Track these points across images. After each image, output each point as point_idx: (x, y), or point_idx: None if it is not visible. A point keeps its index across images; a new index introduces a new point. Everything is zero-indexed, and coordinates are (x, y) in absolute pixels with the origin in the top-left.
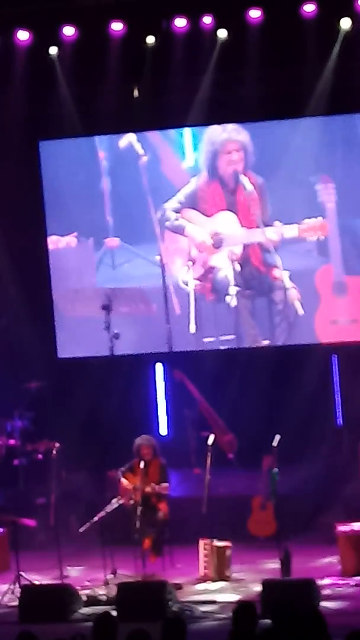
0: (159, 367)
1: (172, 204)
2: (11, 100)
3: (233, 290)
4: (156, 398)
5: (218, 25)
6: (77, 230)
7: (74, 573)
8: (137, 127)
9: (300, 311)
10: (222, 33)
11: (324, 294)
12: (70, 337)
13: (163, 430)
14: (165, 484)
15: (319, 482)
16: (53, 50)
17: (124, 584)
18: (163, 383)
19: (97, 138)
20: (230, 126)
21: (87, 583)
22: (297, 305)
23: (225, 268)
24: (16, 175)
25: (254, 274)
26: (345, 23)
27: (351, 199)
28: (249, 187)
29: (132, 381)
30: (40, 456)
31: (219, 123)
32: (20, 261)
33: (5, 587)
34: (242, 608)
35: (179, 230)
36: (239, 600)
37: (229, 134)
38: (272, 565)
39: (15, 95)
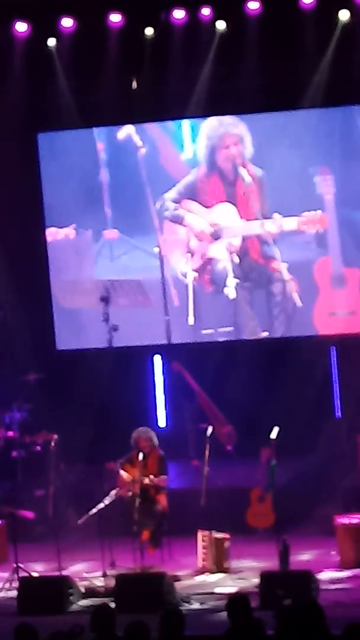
0: (158, 359)
1: (172, 194)
2: (10, 92)
3: (232, 282)
4: (155, 390)
5: (217, 16)
6: (76, 222)
7: (72, 565)
8: (136, 119)
9: (299, 303)
10: (220, 25)
11: (322, 286)
12: (69, 329)
13: (162, 422)
14: (164, 476)
15: (318, 474)
16: (51, 41)
17: (122, 575)
18: (162, 375)
19: (95, 130)
20: (227, 119)
21: (85, 575)
22: (296, 297)
23: (224, 260)
24: (15, 167)
25: (253, 266)
26: (344, 15)
27: (350, 191)
28: (248, 179)
29: (130, 373)
30: (38, 448)
31: (217, 115)
32: (18, 253)
33: (3, 579)
34: (235, 601)
35: (178, 220)
36: (230, 594)
37: (226, 128)
38: (271, 557)
39: (14, 87)
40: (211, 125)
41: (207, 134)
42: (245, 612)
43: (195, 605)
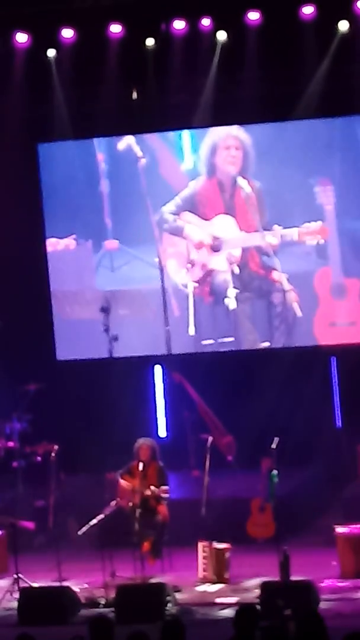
0: (158, 369)
1: (170, 207)
2: (10, 102)
3: (232, 292)
4: (155, 400)
5: (217, 27)
6: (76, 233)
7: (72, 575)
8: (136, 130)
9: (299, 313)
10: (221, 35)
11: (322, 296)
12: (69, 339)
13: (162, 432)
14: (165, 487)
15: (318, 484)
16: (51, 52)
17: (122, 586)
18: (162, 385)
19: (95, 140)
20: (235, 126)
21: (86, 585)
22: (296, 307)
23: (224, 271)
24: (15, 178)
25: (253, 277)
26: (343, 25)
27: (350, 201)
28: (247, 189)
29: (131, 383)
30: (39, 458)
31: (217, 125)
32: (19, 263)
33: (4, 589)
34: (244, 611)
35: (177, 232)
36: (240, 603)
37: (230, 130)
38: (271, 567)
39: (14, 97)
40: (217, 129)
41: (212, 135)
42: (252, 623)
43: (196, 616)
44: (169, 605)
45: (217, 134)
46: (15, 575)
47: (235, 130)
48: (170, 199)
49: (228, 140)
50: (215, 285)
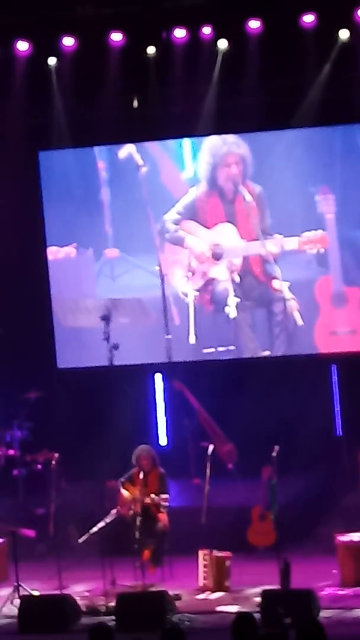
0: (159, 378)
1: (171, 215)
2: (11, 110)
3: (232, 301)
4: (156, 408)
5: (217, 35)
6: (77, 241)
7: (73, 583)
8: (137, 138)
9: (300, 322)
10: (222, 43)
11: (323, 305)
12: (70, 347)
13: (162, 440)
14: (165, 495)
15: (319, 492)
16: (52, 60)
17: (123, 594)
18: (162, 393)
19: (96, 148)
20: (231, 139)
21: (86, 594)
22: (297, 315)
23: (225, 280)
24: (16, 186)
25: (254, 285)
26: (344, 34)
27: (351, 210)
28: (248, 197)
29: (131, 392)
30: (39, 466)
31: (219, 133)
32: (19, 271)
33: (4, 597)
34: (241, 619)
35: (178, 242)
36: (238, 612)
37: (229, 147)
38: (272, 575)
39: (15, 105)
40: (214, 143)
41: (210, 151)
42: (250, 632)
43: (196, 624)
44: (170, 613)
45: (217, 150)
46: (15, 584)
47: (235, 147)
48: (171, 208)
49: (227, 158)
50: (215, 293)
